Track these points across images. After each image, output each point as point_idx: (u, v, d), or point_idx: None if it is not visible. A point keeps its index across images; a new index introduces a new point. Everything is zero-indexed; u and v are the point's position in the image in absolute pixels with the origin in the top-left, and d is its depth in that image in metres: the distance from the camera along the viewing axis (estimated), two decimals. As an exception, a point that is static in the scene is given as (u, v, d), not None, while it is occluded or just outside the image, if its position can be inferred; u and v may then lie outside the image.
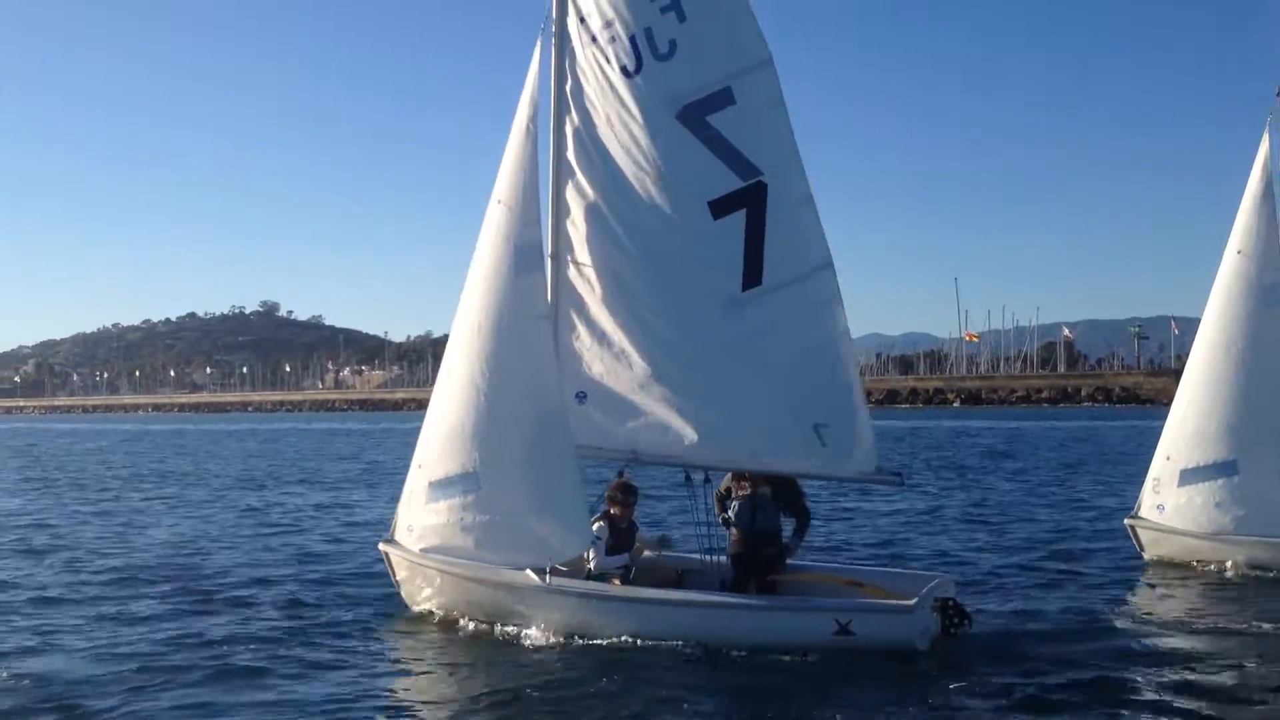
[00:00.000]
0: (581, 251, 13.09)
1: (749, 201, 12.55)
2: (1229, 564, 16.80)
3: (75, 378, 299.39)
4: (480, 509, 12.67)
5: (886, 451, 42.79)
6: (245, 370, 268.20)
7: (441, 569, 13.19)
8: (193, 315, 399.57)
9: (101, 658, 12.27)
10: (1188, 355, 17.75)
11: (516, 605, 12.73)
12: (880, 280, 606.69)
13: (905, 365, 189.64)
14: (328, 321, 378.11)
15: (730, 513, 12.93)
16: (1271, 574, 16.43)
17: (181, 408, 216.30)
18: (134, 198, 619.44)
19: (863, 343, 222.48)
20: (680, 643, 11.89)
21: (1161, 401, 18.55)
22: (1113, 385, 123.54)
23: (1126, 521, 17.93)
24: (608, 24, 12.81)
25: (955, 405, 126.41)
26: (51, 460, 55.04)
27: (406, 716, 10.41)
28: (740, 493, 12.92)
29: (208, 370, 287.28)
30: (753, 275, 12.59)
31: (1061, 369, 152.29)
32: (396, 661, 12.32)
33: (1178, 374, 18.26)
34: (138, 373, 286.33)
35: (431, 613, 13.49)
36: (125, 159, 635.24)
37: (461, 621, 13.12)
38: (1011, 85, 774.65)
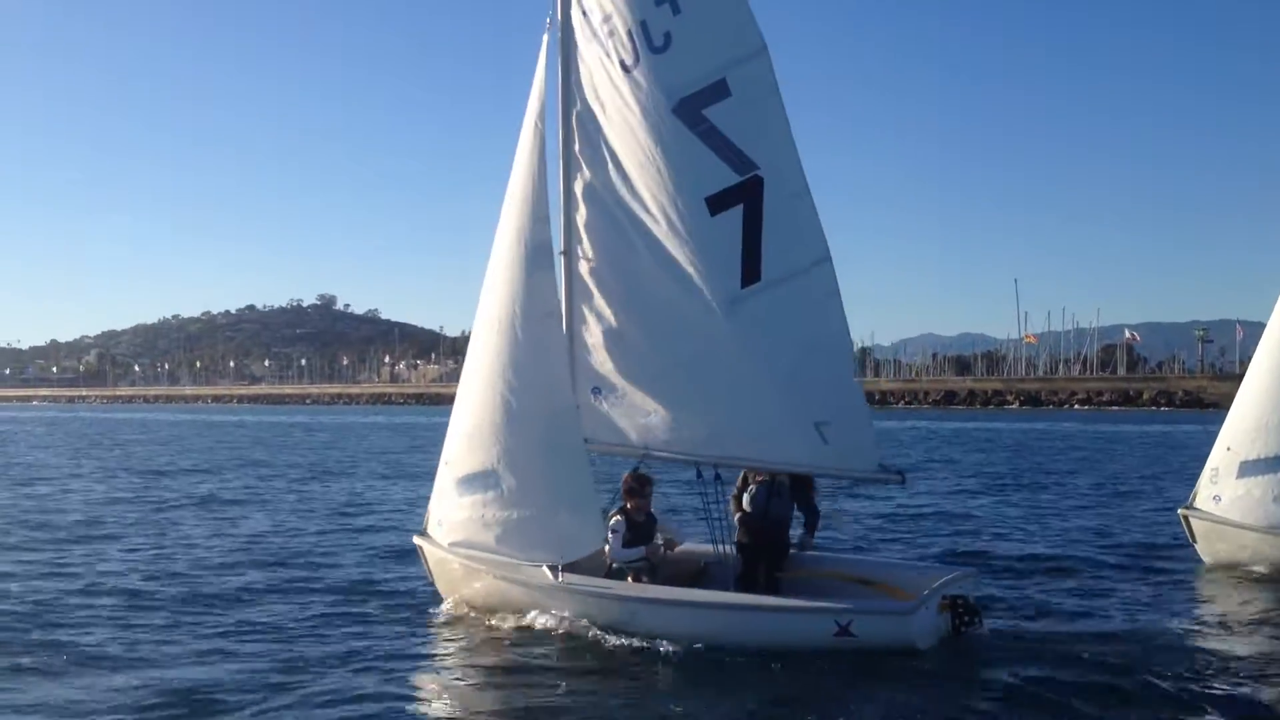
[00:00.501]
0: (591, 248, 13.08)
1: (746, 197, 12.41)
2: None
3: (137, 368, 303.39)
4: (500, 505, 12.88)
5: (984, 460, 43.01)
6: (304, 363, 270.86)
7: (465, 563, 13.36)
8: (251, 308, 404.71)
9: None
10: (1251, 359, 17.36)
11: (531, 601, 12.83)
12: (935, 280, 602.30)
13: (961, 366, 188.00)
14: (384, 315, 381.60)
15: (746, 499, 12.97)
16: None
17: (240, 399, 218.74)
18: (195, 190, 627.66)
19: (918, 342, 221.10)
20: (681, 643, 11.81)
21: (1225, 406, 18.50)
22: (1175, 389, 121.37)
23: (1180, 511, 17.41)
24: (606, 18, 12.75)
25: (1014, 407, 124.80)
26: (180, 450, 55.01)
27: (391, 708, 10.43)
28: (757, 479, 12.98)
29: (266, 363, 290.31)
30: (751, 272, 12.47)
31: (1121, 372, 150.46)
32: (410, 654, 12.34)
33: (1242, 378, 17.79)
34: (198, 364, 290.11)
35: (459, 605, 13.66)
36: (186, 152, 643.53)
37: (484, 615, 13.26)
38: (1072, 82, 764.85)
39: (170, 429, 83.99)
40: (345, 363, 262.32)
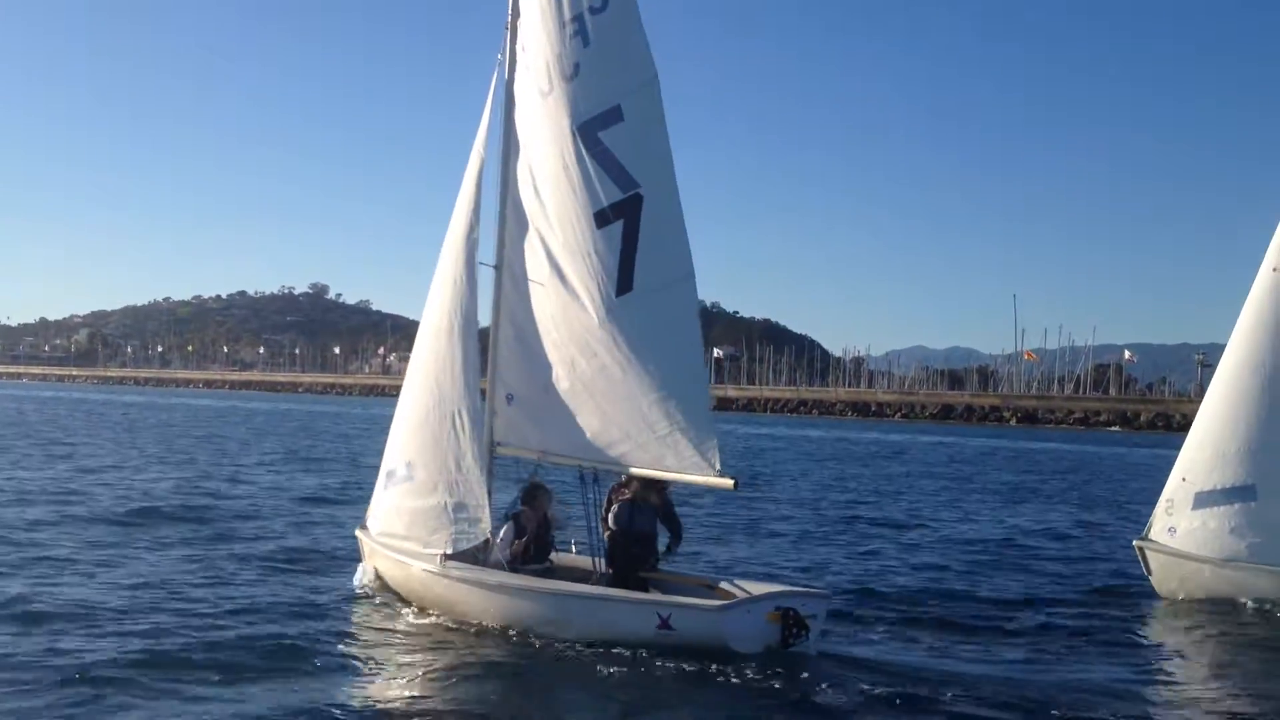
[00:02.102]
0: (516, 260, 14.34)
1: (626, 212, 13.49)
2: (1241, 593, 15.88)
3: (129, 350, 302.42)
4: (411, 496, 14.28)
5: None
6: (298, 351, 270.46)
7: (381, 552, 14.76)
8: (243, 293, 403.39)
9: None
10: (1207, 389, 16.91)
11: (421, 586, 14.08)
12: (925, 293, 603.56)
13: (954, 380, 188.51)
14: (375, 307, 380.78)
15: (611, 515, 13.82)
16: None
17: (233, 385, 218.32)
18: (189, 173, 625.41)
19: (909, 354, 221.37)
20: (519, 630, 12.84)
21: None
22: (1174, 412, 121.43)
23: (1135, 543, 17.08)
24: (534, 51, 14.02)
25: (1011, 424, 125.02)
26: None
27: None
28: (620, 498, 13.87)
29: (260, 350, 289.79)
30: (625, 282, 13.53)
31: (1114, 392, 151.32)
32: (335, 636, 13.20)
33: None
34: (190, 347, 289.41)
35: (380, 589, 14.95)
36: (177, 135, 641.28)
37: (395, 598, 14.56)
38: (1069, 94, 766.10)
39: (215, 416, 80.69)
40: (338, 352, 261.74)
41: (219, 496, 26.73)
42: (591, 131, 13.63)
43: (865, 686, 11.34)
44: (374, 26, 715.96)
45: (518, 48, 14.31)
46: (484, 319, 14.58)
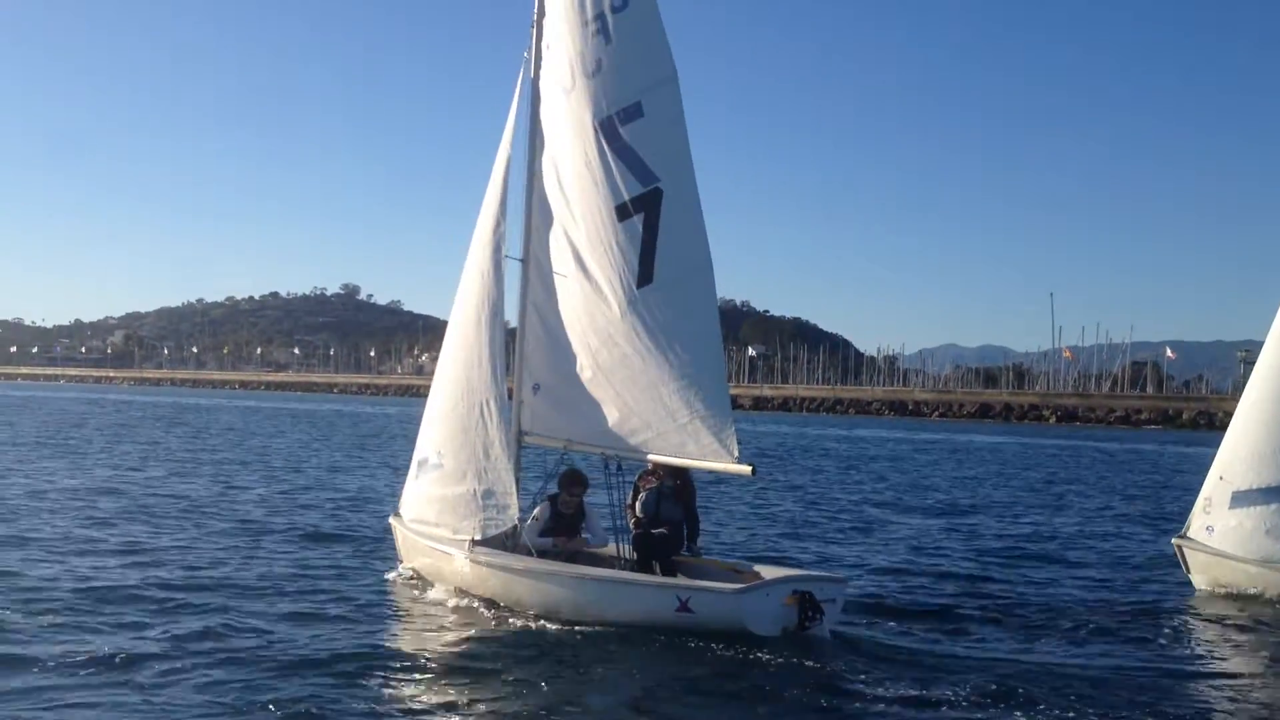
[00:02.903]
0: (541, 253, 14.72)
1: (647, 206, 13.86)
2: (1277, 594, 15.75)
3: (165, 351, 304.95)
4: (439, 484, 14.70)
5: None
6: (332, 352, 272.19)
7: (413, 537, 15.20)
8: (275, 294, 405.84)
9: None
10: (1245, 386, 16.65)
11: (451, 571, 14.45)
12: (957, 290, 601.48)
13: (988, 378, 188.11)
14: (406, 307, 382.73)
15: (639, 502, 14.15)
16: None
17: (268, 385, 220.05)
18: (220, 173, 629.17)
19: (941, 353, 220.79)
20: (543, 615, 13.14)
21: None
22: (1216, 410, 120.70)
23: (1174, 541, 17.05)
24: (557, 48, 14.44)
25: (1051, 422, 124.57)
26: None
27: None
28: (646, 486, 14.21)
29: (295, 351, 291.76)
30: (646, 274, 13.89)
31: (1151, 390, 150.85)
32: (360, 619, 13.59)
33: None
34: (226, 349, 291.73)
35: (415, 575, 15.42)
36: (208, 134, 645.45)
37: (425, 582, 15.00)
38: (1101, 85, 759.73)
39: (285, 420, 79.89)
40: (372, 353, 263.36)
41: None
42: (613, 127, 14.01)
43: (880, 671, 11.58)
44: (400, 25, 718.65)
45: (543, 45, 14.71)
46: (511, 312, 15.03)
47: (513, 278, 14.84)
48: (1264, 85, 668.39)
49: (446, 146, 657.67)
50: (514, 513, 14.07)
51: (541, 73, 14.74)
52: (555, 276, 14.54)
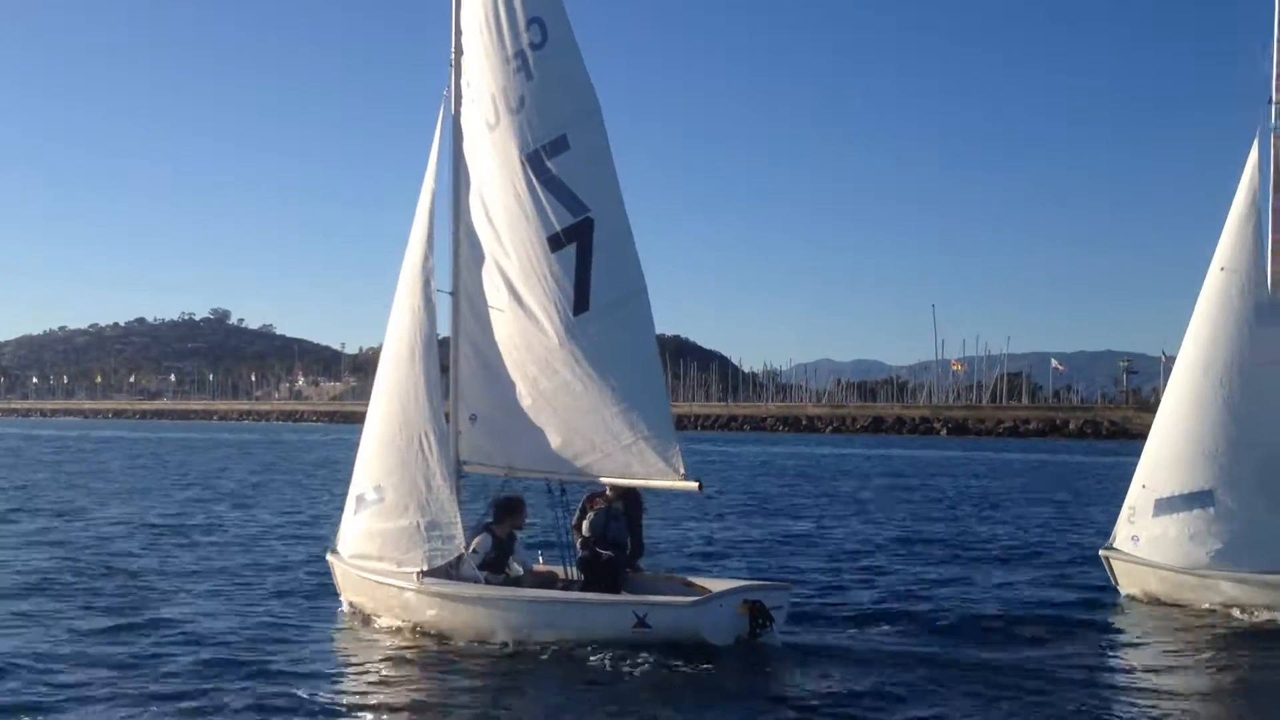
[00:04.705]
0: (472, 285, 15.10)
1: (579, 235, 14.34)
2: (1205, 600, 15.79)
3: (34, 380, 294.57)
4: (383, 519, 14.81)
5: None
6: (211, 378, 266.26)
7: (355, 573, 15.27)
8: (141, 320, 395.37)
9: None
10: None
11: (400, 604, 14.59)
12: (826, 308, 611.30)
13: (867, 393, 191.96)
14: (279, 331, 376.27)
15: (586, 525, 14.54)
16: (1253, 614, 15.36)
17: (143, 414, 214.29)
18: (80, 200, 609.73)
19: (815, 368, 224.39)
20: (504, 637, 13.48)
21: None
22: (1102, 419, 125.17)
23: (1101, 552, 17.21)
24: (479, 85, 14.89)
25: (942, 435, 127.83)
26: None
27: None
28: (594, 507, 14.61)
29: (171, 378, 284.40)
30: (582, 302, 14.36)
31: (1026, 401, 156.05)
32: (310, 656, 13.65)
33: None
34: (99, 377, 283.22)
35: (356, 610, 15.52)
36: (68, 156, 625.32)
37: (374, 617, 15.07)
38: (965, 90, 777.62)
39: (202, 451, 76.07)
40: (254, 378, 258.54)
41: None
42: (540, 160, 14.44)
43: (828, 675, 12.33)
44: (277, 39, 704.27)
45: (463, 83, 15.08)
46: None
47: (442, 311, 15.11)
48: (1142, 80, 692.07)
49: (318, 164, 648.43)
50: (459, 542, 14.25)
51: (463, 109, 15.12)
52: (490, 310, 14.87)
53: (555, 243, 14.40)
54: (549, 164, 14.42)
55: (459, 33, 15.14)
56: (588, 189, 14.40)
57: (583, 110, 14.53)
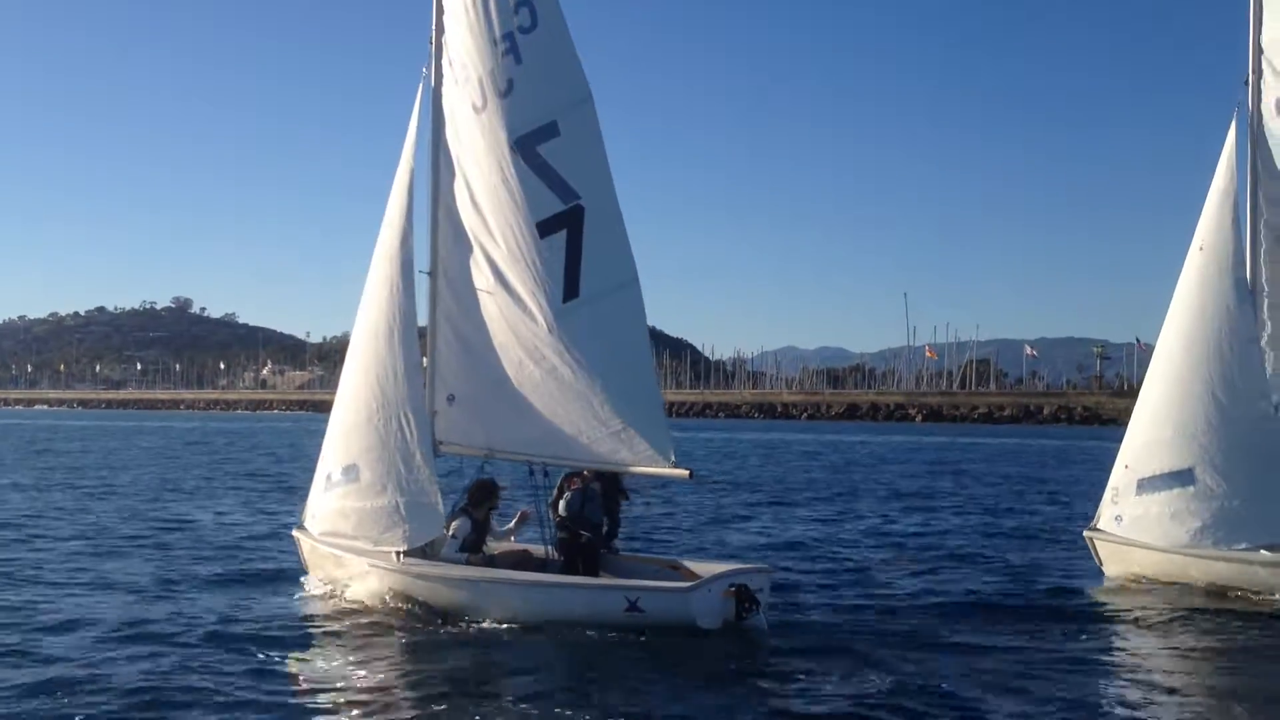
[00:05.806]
0: (452, 267, 14.95)
1: (569, 223, 14.24)
2: (1188, 578, 15.85)
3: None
4: (357, 498, 14.64)
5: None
6: (178, 368, 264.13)
7: (325, 549, 15.15)
8: (101, 309, 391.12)
9: None
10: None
11: (378, 581, 14.43)
12: (789, 295, 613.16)
13: (833, 379, 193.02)
14: (241, 320, 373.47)
15: (562, 504, 14.48)
16: (1235, 591, 15.47)
17: (109, 404, 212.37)
18: (39, 189, 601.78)
19: (781, 355, 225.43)
20: (493, 620, 13.35)
21: (1122, 422, 18.98)
22: (1075, 405, 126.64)
23: (1085, 533, 17.19)
24: (463, 66, 14.69)
25: (918, 421, 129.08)
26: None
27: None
28: (573, 487, 14.57)
29: (138, 367, 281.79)
30: (571, 289, 14.28)
31: (993, 387, 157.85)
32: (278, 634, 13.41)
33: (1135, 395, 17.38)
34: (62, 366, 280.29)
35: (324, 586, 15.33)
36: (28, 145, 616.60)
37: (343, 594, 14.81)
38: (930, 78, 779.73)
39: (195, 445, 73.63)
40: (223, 367, 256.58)
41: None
42: (530, 145, 14.30)
43: (811, 658, 12.35)
44: (243, 30, 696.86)
45: (444, 62, 14.90)
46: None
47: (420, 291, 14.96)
48: (1120, 67, 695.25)
49: (279, 153, 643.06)
50: (441, 522, 14.16)
51: (447, 90, 14.92)
52: (478, 292, 14.73)
53: (545, 229, 14.33)
54: (539, 150, 14.30)
55: (440, 10, 14.95)
56: (578, 177, 14.31)
57: (574, 97, 14.40)
